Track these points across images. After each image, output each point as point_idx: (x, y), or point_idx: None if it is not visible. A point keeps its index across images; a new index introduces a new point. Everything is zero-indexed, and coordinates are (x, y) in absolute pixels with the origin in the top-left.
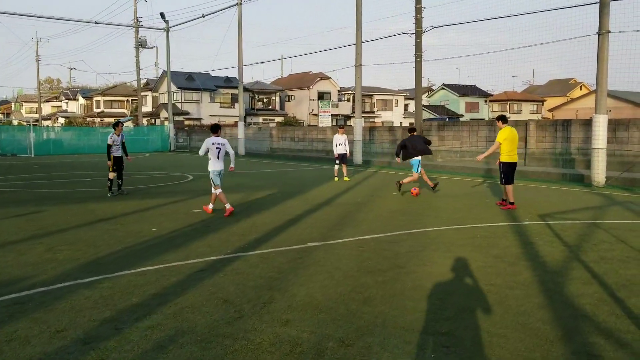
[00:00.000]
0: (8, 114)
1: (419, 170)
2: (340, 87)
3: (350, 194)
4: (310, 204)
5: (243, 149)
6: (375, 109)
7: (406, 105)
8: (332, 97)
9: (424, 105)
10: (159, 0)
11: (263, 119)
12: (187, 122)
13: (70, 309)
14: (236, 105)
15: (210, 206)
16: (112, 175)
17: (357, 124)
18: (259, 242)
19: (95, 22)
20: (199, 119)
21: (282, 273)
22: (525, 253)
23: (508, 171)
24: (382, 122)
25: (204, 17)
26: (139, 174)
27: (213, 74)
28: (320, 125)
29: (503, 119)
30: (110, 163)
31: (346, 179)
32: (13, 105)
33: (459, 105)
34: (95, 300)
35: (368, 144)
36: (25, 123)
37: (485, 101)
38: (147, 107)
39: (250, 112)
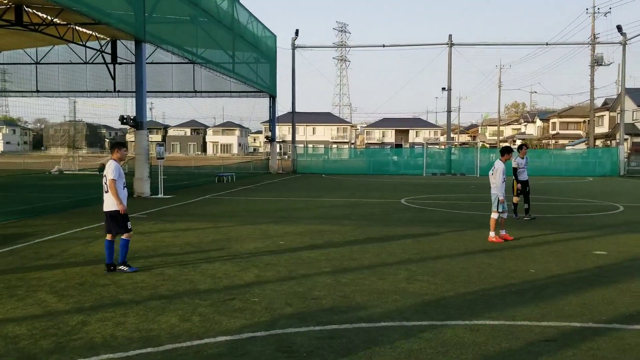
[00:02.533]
0: (474, 137)
1: None
2: None
3: None
4: None
5: None
6: None
7: None
8: None
9: None
10: (620, 14)
11: None
12: None
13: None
14: None
15: (492, 234)
16: (515, 199)
17: None
18: None
19: (547, 44)
20: None
21: None
22: None
23: None
24: None
25: None
26: (563, 201)
27: None
28: None
29: None
30: (518, 186)
31: None
32: (479, 129)
33: None
34: (394, 356)
35: None
36: (487, 145)
37: None
38: (604, 128)
39: None
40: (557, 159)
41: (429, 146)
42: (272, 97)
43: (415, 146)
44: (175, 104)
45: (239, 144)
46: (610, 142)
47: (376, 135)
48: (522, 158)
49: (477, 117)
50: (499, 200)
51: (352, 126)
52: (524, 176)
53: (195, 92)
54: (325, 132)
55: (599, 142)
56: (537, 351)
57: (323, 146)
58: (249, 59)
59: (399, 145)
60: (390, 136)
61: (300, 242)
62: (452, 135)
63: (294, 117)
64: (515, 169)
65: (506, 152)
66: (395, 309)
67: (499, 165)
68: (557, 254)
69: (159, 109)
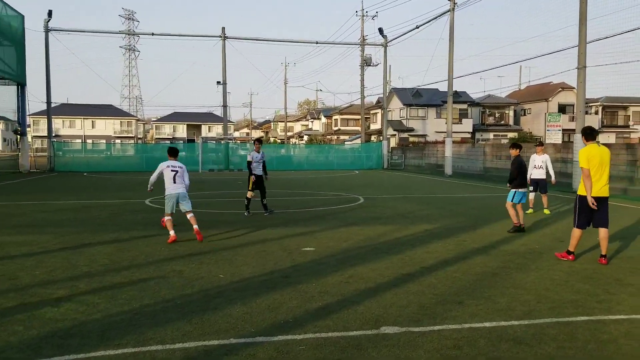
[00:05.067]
0: (267, 132)
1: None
2: (587, 99)
3: (533, 236)
4: (460, 249)
5: (450, 168)
6: (631, 123)
7: None
8: (575, 110)
9: None
10: (385, 18)
11: (494, 135)
12: (411, 139)
13: None
14: (464, 120)
15: (172, 233)
16: (250, 194)
17: (577, 140)
18: (316, 316)
19: (317, 42)
20: (424, 136)
21: None
22: None
23: (583, 209)
24: None
25: (417, 27)
26: (316, 194)
27: (441, 88)
28: (548, 141)
29: (587, 133)
30: (252, 178)
31: (546, 211)
32: (272, 125)
33: None
34: None
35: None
36: (279, 141)
37: None
38: (377, 125)
39: (480, 127)
40: (336, 154)
41: (214, 142)
42: (21, 85)
43: (209, 141)
44: None
45: (4, 139)
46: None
47: (167, 130)
48: (258, 152)
49: (271, 113)
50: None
51: (137, 120)
52: (259, 171)
53: None
54: (107, 126)
55: (374, 138)
56: None
57: (105, 141)
58: None
59: (191, 141)
60: (182, 131)
61: None
62: (247, 131)
63: (50, 109)
64: (249, 163)
65: (175, 152)
66: (6, 344)
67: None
68: (264, 254)
69: None
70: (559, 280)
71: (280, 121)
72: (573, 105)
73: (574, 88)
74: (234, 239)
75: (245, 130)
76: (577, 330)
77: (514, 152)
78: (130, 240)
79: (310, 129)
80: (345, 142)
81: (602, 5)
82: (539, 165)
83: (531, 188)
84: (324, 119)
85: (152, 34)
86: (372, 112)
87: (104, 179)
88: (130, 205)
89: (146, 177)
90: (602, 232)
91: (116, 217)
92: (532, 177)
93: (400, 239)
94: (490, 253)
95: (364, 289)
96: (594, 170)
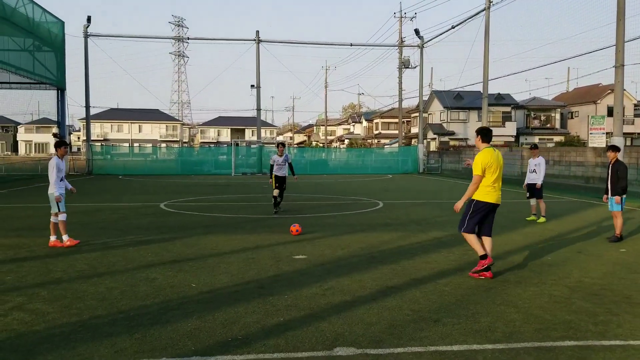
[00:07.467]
0: (309, 136)
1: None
2: (638, 101)
3: (548, 247)
4: (463, 259)
5: None
6: None
7: None
8: (626, 112)
9: None
10: (425, 20)
11: (539, 139)
12: (452, 143)
13: None
14: (507, 124)
15: (52, 238)
16: (276, 192)
17: (616, 143)
18: (270, 333)
19: (351, 45)
20: (465, 139)
21: None
22: None
23: (478, 214)
24: None
25: (453, 27)
26: (336, 199)
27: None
28: (590, 145)
29: (484, 134)
30: (271, 181)
31: (541, 219)
32: (314, 129)
33: None
34: None
35: (638, 170)
36: (320, 144)
37: None
38: (417, 128)
39: (524, 131)
40: (372, 158)
41: (251, 145)
42: (60, 90)
43: (251, 145)
44: None
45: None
46: (423, 141)
47: (211, 134)
48: (281, 156)
49: (315, 117)
50: (55, 198)
51: (183, 124)
52: (281, 172)
53: None
54: (153, 130)
55: (414, 142)
56: None
57: (151, 145)
58: (28, 46)
59: (236, 144)
60: (226, 135)
61: None
62: (290, 135)
63: (89, 114)
64: (272, 166)
65: (62, 145)
66: None
67: (52, 161)
68: (250, 262)
69: None
70: (559, 297)
71: (322, 125)
72: (623, 107)
73: (624, 90)
74: (227, 244)
75: (289, 134)
76: (558, 357)
77: (612, 156)
78: (121, 245)
79: (352, 133)
80: (385, 146)
81: None
82: (531, 170)
83: (527, 194)
84: (365, 123)
85: (188, 38)
86: (412, 115)
87: (136, 181)
88: (144, 208)
89: (180, 180)
90: (489, 241)
91: (122, 221)
92: (526, 181)
93: (403, 247)
94: (493, 264)
95: (337, 303)
96: (494, 177)
